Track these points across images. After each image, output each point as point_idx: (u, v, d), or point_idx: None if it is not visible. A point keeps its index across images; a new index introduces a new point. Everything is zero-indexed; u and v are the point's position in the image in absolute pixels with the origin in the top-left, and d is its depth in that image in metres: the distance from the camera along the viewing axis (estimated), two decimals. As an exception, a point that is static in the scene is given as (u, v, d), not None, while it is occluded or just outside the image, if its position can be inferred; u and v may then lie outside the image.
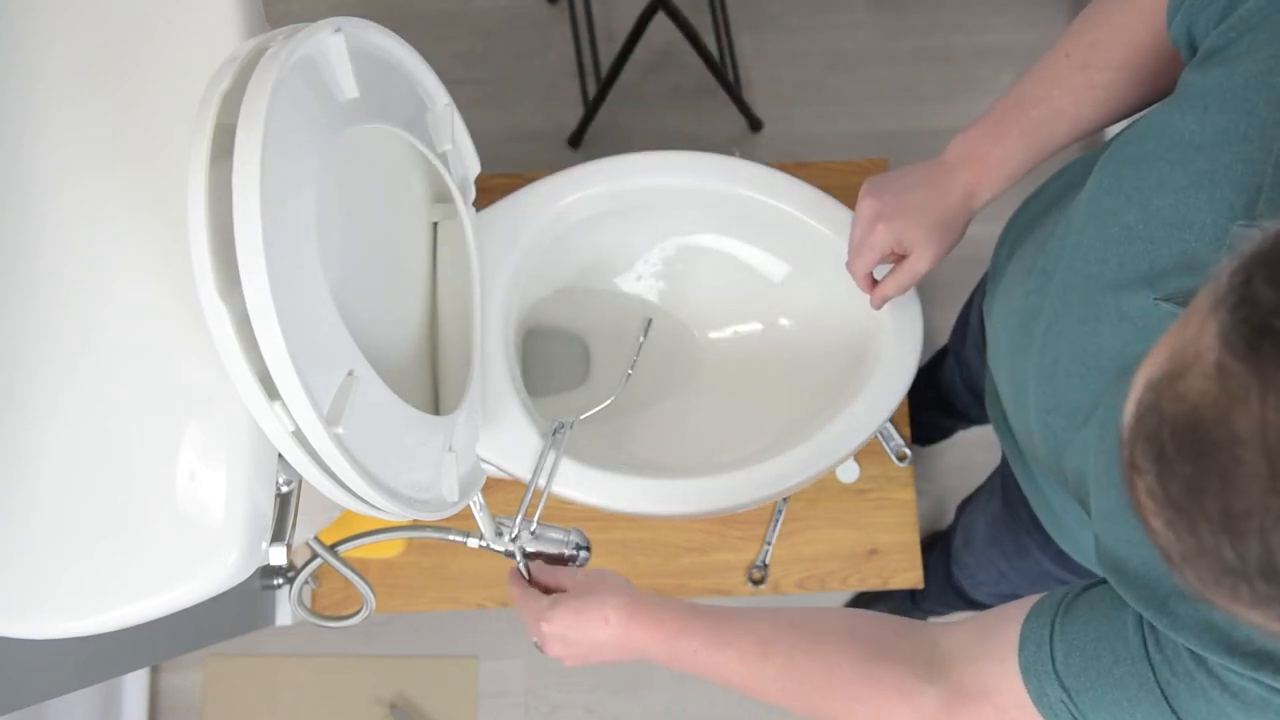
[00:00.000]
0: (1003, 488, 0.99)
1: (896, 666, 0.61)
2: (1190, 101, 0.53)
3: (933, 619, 1.43)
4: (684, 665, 0.65)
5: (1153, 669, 0.50)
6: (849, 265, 0.83)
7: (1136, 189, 0.55)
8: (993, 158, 0.74)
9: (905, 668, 0.60)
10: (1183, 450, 0.30)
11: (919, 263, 0.79)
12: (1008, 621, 0.59)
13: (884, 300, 0.84)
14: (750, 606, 0.69)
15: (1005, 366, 0.74)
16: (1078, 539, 0.82)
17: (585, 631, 0.67)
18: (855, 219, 0.81)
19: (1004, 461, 1.00)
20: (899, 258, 0.81)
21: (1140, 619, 0.52)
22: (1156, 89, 0.69)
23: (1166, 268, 0.52)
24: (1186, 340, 0.31)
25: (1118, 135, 0.63)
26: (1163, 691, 0.50)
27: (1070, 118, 0.71)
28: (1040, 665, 0.55)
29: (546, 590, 0.72)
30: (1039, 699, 0.55)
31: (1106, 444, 0.55)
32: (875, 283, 0.84)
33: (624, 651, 0.67)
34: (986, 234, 0.89)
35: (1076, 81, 0.70)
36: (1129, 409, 0.33)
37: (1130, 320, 0.54)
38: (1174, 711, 0.49)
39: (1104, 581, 0.56)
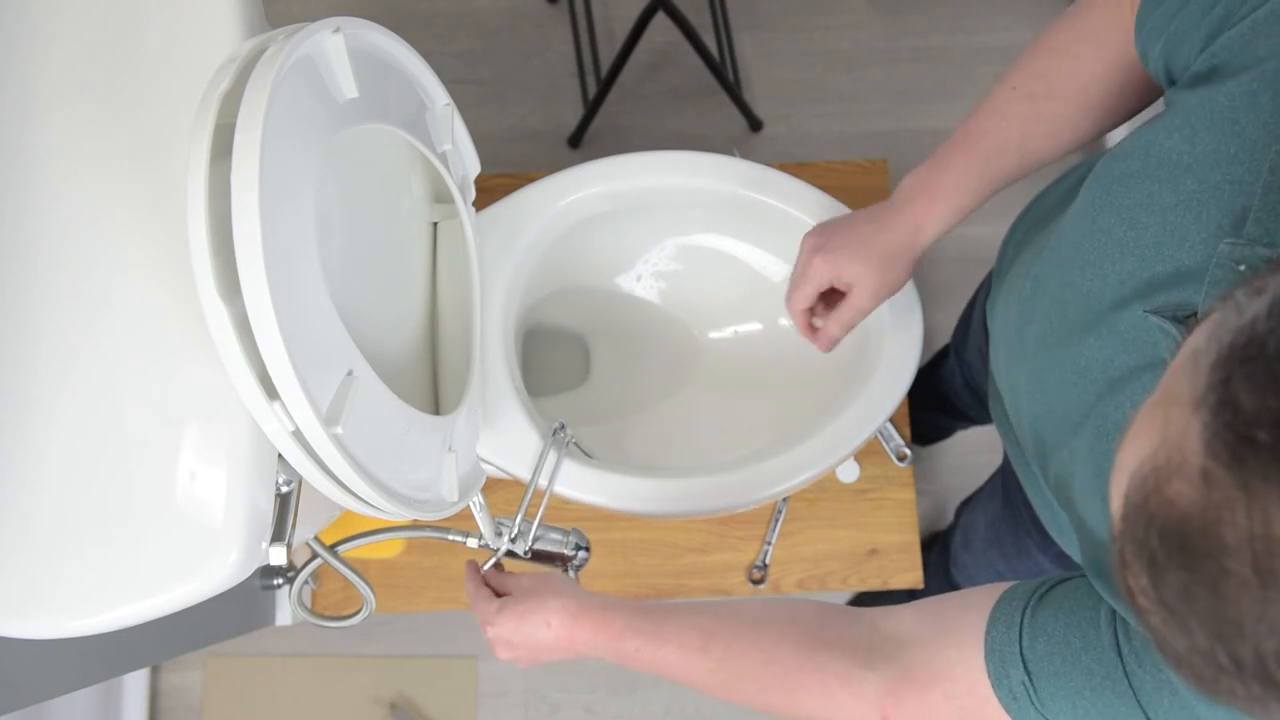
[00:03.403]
0: (1004, 488, 0.99)
1: (837, 654, 0.61)
2: (1178, 120, 0.53)
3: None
4: (629, 663, 0.66)
5: (1121, 660, 0.51)
6: (787, 303, 0.81)
7: (1126, 206, 0.55)
8: (939, 190, 0.73)
9: (846, 655, 0.60)
10: (1173, 558, 0.30)
11: (859, 297, 0.76)
12: (967, 608, 0.59)
13: (831, 342, 0.81)
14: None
15: (1004, 368, 0.74)
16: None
17: (528, 635, 0.68)
18: (797, 256, 0.80)
19: (1005, 461, 1.00)
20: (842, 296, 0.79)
21: (1113, 612, 0.52)
22: (1107, 119, 0.69)
23: (1158, 283, 0.52)
24: (1170, 436, 0.31)
25: (1109, 150, 0.63)
26: (1129, 683, 0.50)
27: (1017, 149, 0.71)
28: (1007, 647, 0.55)
29: (497, 593, 0.73)
30: (998, 681, 0.55)
31: (1096, 453, 0.55)
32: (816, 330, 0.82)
33: (571, 652, 0.68)
34: (988, 234, 0.90)
35: (1023, 111, 0.70)
36: (1115, 501, 0.34)
37: (1120, 334, 0.54)
38: (1139, 703, 0.50)
39: (1082, 575, 0.57)
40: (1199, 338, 0.32)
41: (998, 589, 0.59)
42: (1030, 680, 0.54)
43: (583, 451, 0.93)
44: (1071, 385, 0.59)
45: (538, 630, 0.68)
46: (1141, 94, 0.68)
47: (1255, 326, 0.29)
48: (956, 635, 0.58)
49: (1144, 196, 0.53)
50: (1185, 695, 0.48)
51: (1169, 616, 0.31)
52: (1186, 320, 0.50)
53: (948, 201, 0.73)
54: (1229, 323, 0.30)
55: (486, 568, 0.76)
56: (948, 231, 0.75)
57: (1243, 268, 0.47)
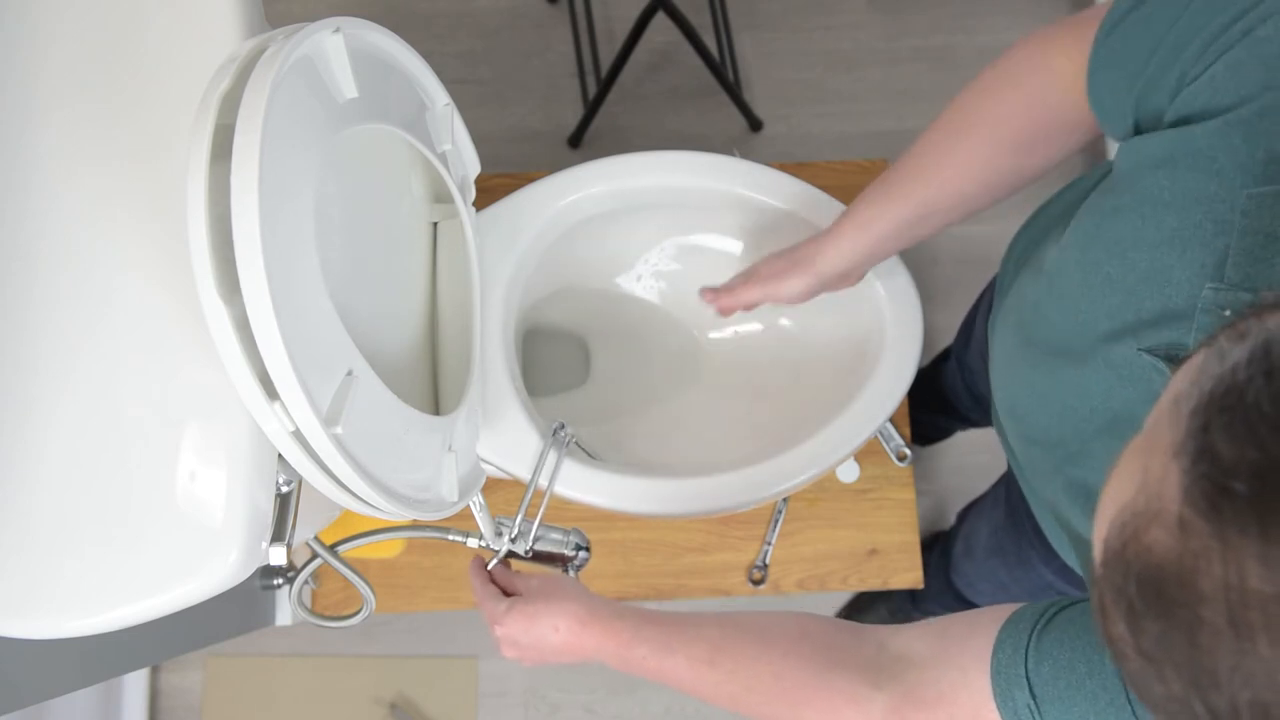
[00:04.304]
0: (1007, 497, 0.98)
1: (844, 671, 0.61)
2: (1159, 157, 0.53)
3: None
4: (635, 670, 0.66)
5: (1125, 686, 0.50)
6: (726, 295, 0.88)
7: (1114, 240, 0.55)
8: (847, 224, 0.79)
9: (853, 673, 0.60)
10: (1150, 606, 0.30)
11: (746, 279, 0.87)
12: (974, 630, 0.58)
13: (727, 306, 0.88)
14: (748, 607, 0.69)
15: (1003, 387, 0.74)
16: None
17: (537, 637, 0.69)
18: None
19: (1009, 470, 0.99)
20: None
21: None
22: (1023, 158, 0.71)
23: (1148, 319, 0.52)
24: (1149, 482, 0.31)
25: (1098, 184, 0.63)
26: (1133, 709, 0.50)
27: (934, 182, 0.74)
28: (1012, 669, 0.55)
29: (505, 592, 0.73)
30: (1003, 703, 0.55)
31: (1091, 484, 0.56)
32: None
33: (577, 656, 0.69)
34: (991, 233, 0.90)
35: (939, 142, 0.74)
36: (1097, 547, 0.34)
37: (1115, 368, 0.55)
38: None
39: (1089, 599, 0.56)
40: (1181, 382, 0.32)
41: (1004, 610, 0.59)
42: (1035, 704, 0.54)
43: (584, 451, 0.93)
44: (1070, 412, 0.59)
45: (546, 633, 0.68)
46: (1063, 138, 0.70)
47: (1235, 375, 0.29)
48: (962, 657, 0.57)
49: (1130, 232, 0.54)
50: None
51: (1146, 664, 0.31)
52: (1180, 361, 0.50)
53: (852, 236, 0.79)
54: (1210, 369, 0.30)
55: (492, 566, 0.76)
56: (858, 261, 0.80)
57: (1227, 313, 0.48)
